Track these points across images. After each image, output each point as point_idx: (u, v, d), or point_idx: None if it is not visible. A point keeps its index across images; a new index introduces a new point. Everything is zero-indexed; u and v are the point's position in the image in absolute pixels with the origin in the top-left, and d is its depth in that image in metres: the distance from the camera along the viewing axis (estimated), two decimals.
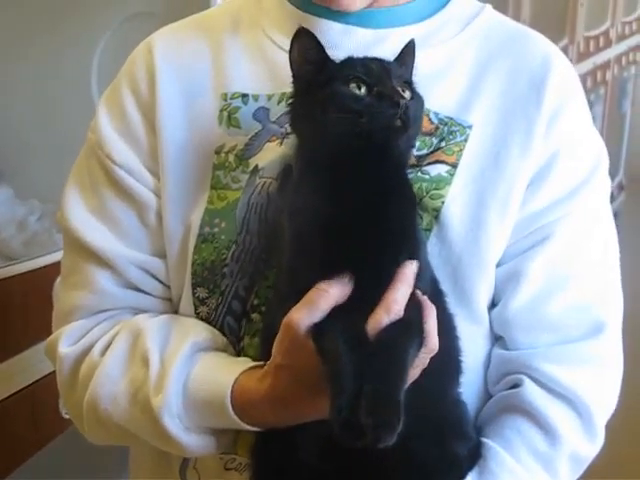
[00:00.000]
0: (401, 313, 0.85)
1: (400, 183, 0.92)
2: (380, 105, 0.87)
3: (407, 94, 0.89)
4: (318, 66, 0.90)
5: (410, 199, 0.93)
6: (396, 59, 0.94)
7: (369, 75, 0.88)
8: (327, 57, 0.90)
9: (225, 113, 1.06)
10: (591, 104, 4.50)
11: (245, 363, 0.97)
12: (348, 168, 0.88)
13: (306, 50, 0.90)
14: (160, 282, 1.07)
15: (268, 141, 1.03)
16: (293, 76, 0.92)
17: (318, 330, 0.85)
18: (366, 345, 0.83)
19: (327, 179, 0.88)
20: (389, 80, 0.88)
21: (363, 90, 0.88)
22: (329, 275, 0.86)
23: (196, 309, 1.04)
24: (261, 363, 0.93)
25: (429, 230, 0.99)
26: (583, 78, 4.41)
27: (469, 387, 1.01)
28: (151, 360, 0.99)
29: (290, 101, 0.93)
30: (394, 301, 0.85)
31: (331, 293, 0.85)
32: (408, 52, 0.95)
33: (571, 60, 1.31)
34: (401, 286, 0.86)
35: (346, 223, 0.87)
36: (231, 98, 1.06)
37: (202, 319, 1.04)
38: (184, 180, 1.05)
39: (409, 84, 0.91)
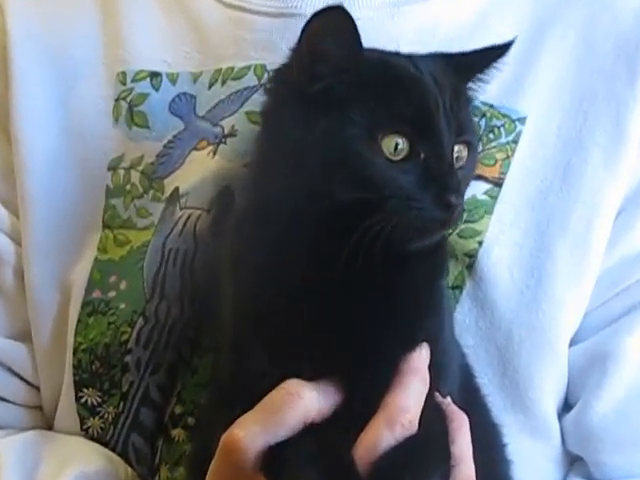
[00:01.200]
0: (414, 428, 0.75)
1: None
2: (422, 199, 0.73)
3: (464, 155, 0.78)
4: (343, 67, 0.75)
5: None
6: (461, 68, 0.81)
7: (420, 118, 0.74)
8: (361, 57, 0.76)
9: (124, 104, 0.97)
10: None
11: None
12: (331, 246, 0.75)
13: (334, 37, 0.75)
14: (22, 380, 0.99)
15: (194, 149, 0.94)
16: (293, 65, 0.78)
17: (275, 459, 0.73)
18: None
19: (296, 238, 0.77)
20: (447, 134, 0.75)
21: (403, 149, 0.72)
22: (302, 369, 0.76)
23: (83, 423, 0.95)
24: None
25: (459, 289, 0.91)
26: None
27: None
28: None
29: (270, 93, 0.82)
30: (401, 409, 0.75)
31: (306, 400, 0.74)
32: (485, 58, 0.81)
33: None
34: (411, 384, 0.76)
35: (327, 286, 0.76)
36: (133, 80, 0.97)
37: (92, 439, 0.96)
38: (59, 215, 0.97)
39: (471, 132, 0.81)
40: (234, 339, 0.83)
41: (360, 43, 0.77)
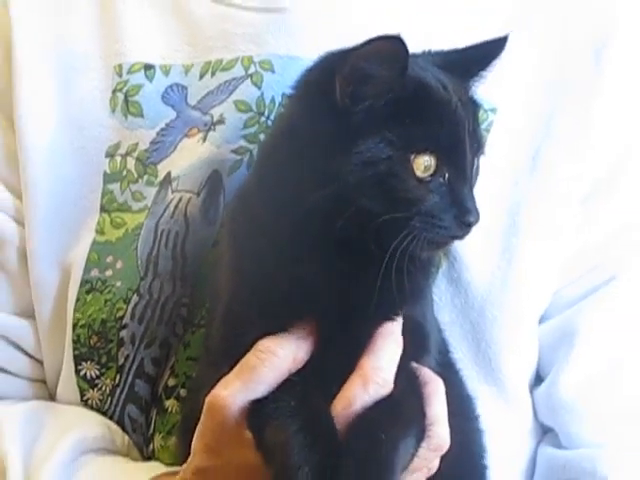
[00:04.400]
0: (388, 387, 0.77)
1: None
2: (444, 218, 0.75)
3: (478, 166, 0.80)
4: (388, 90, 0.75)
5: None
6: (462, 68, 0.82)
7: (450, 139, 0.76)
8: (404, 79, 0.76)
9: (120, 95, 0.98)
10: None
11: (152, 469, 0.92)
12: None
13: (388, 63, 0.74)
14: (26, 355, 1.01)
15: (185, 136, 0.96)
16: (336, 83, 0.76)
17: (258, 414, 0.77)
18: (333, 436, 0.75)
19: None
20: (470, 154, 0.78)
21: (430, 167, 0.74)
22: (279, 329, 0.79)
23: (82, 394, 0.97)
24: (176, 469, 0.87)
25: (435, 269, 0.93)
26: None
27: None
28: (10, 471, 0.92)
29: (298, 104, 0.81)
30: (375, 368, 0.77)
31: (280, 356, 0.77)
32: (484, 54, 0.82)
33: None
34: (385, 346, 0.79)
35: (315, 252, 0.78)
36: (129, 72, 0.98)
37: (92, 410, 0.98)
38: (59, 200, 0.98)
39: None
40: (224, 311, 0.84)
41: (407, 67, 0.76)
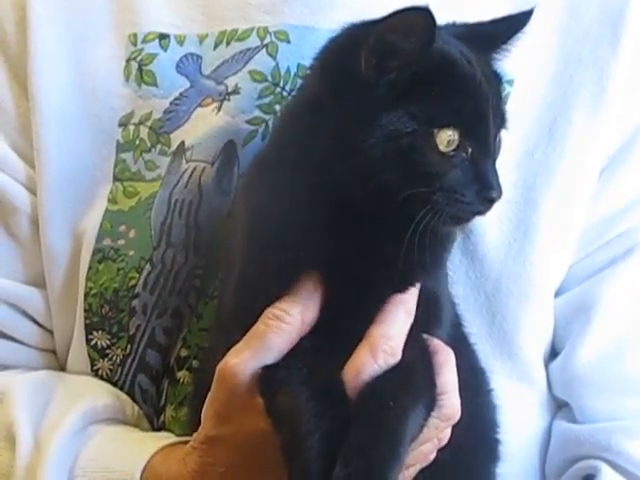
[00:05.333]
0: (397, 356, 0.77)
1: None
2: (467, 193, 0.75)
3: (500, 140, 0.80)
4: (412, 62, 0.74)
5: None
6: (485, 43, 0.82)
7: (474, 114, 0.75)
8: (430, 51, 0.75)
9: (134, 64, 0.98)
10: None
11: (163, 439, 0.91)
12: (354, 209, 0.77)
13: (415, 36, 0.73)
14: (36, 324, 1.01)
15: (199, 106, 0.96)
16: (362, 56, 0.76)
17: (269, 381, 0.77)
18: (343, 404, 0.75)
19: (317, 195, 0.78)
20: (493, 129, 0.77)
21: (454, 141, 0.74)
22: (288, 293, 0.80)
23: (93, 364, 0.97)
24: (186, 438, 0.87)
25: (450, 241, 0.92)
26: None
27: None
28: (20, 439, 0.92)
29: (319, 76, 0.80)
30: (384, 337, 0.77)
31: (288, 321, 0.77)
32: (508, 28, 0.82)
33: None
34: (395, 314, 0.78)
35: (332, 222, 0.78)
36: (143, 41, 0.98)
37: (102, 380, 0.98)
38: (72, 168, 0.98)
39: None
40: (241, 273, 0.84)
41: (434, 40, 0.75)
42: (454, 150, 0.75)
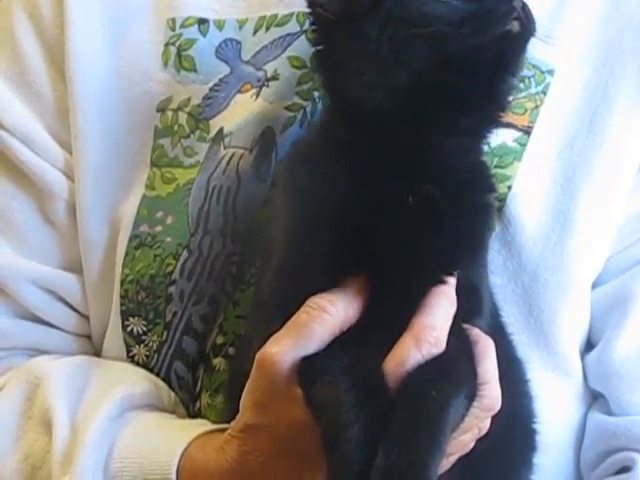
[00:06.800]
0: (440, 346, 0.77)
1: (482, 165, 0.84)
2: (485, 2, 0.77)
3: None
4: None
5: (489, 194, 0.85)
6: None
7: None
8: None
9: (173, 49, 0.98)
10: None
11: (200, 426, 0.91)
12: (417, 120, 0.78)
13: None
14: (72, 309, 1.01)
15: (239, 92, 0.96)
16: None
17: (309, 370, 0.77)
18: (384, 395, 0.75)
19: (374, 144, 0.79)
20: None
21: None
22: (332, 285, 0.80)
23: (129, 351, 0.98)
24: (223, 426, 0.87)
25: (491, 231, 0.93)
26: None
27: (551, 471, 0.96)
28: (56, 423, 0.92)
29: (315, 33, 0.83)
30: (428, 327, 0.77)
31: (331, 313, 0.77)
32: None
33: None
34: (438, 304, 0.79)
35: (384, 211, 0.78)
36: (182, 26, 0.98)
37: (138, 365, 0.99)
38: (110, 154, 0.98)
39: None
40: (282, 260, 0.84)
41: None
42: None
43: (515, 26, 0.76)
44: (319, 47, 0.83)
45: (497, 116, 0.83)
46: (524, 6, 0.77)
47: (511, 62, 0.80)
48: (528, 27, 0.78)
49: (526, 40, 0.79)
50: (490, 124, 0.82)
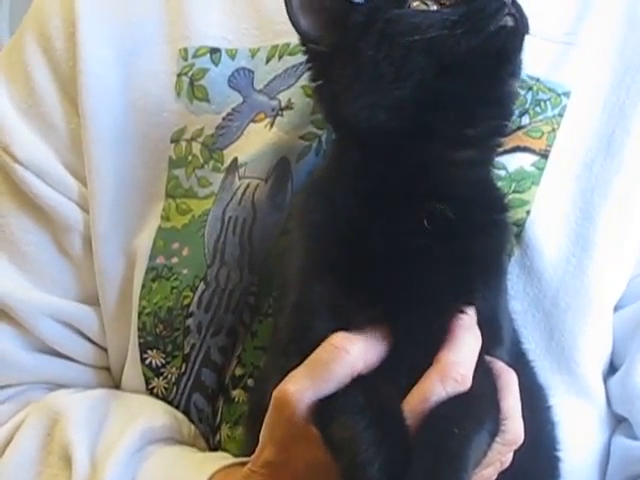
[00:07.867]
0: (466, 384, 0.76)
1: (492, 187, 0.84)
2: (474, 4, 0.78)
3: None
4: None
5: (502, 214, 0.84)
6: None
7: None
8: None
9: (185, 79, 0.98)
10: None
11: (220, 460, 0.91)
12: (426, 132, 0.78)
13: None
14: (90, 342, 1.01)
15: (252, 121, 0.96)
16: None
17: (325, 410, 0.76)
18: (403, 432, 0.74)
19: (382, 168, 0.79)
20: None
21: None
22: (353, 323, 0.78)
23: (148, 383, 0.98)
24: (244, 459, 0.86)
25: (507, 257, 0.91)
26: None
27: None
28: (76, 458, 0.92)
29: (312, 69, 0.84)
30: (454, 363, 0.76)
31: (352, 354, 0.76)
32: None
33: None
34: (464, 340, 0.78)
35: (399, 240, 0.78)
36: (195, 56, 0.98)
37: (157, 397, 0.98)
38: (124, 185, 0.98)
39: None
40: (299, 296, 0.83)
41: None
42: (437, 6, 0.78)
43: (509, 21, 0.77)
44: (318, 82, 0.84)
45: (502, 125, 0.82)
46: (514, 2, 0.78)
47: (509, 59, 0.80)
48: (521, 21, 0.78)
49: (521, 36, 0.79)
50: (495, 134, 0.82)
